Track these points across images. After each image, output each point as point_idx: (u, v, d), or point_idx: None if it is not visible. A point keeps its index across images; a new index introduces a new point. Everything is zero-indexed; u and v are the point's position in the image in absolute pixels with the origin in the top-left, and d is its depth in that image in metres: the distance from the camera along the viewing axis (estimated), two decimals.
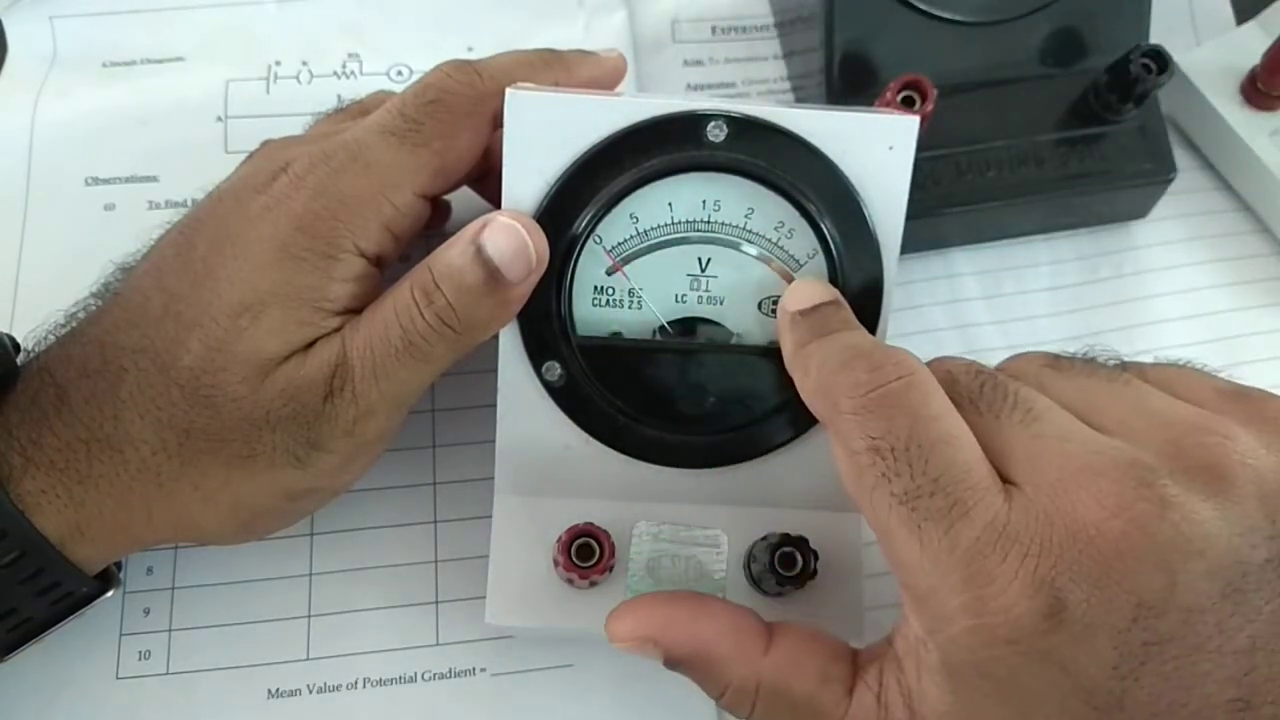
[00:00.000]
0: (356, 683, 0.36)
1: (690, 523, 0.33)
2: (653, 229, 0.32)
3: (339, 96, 0.44)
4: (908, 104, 0.33)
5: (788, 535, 0.32)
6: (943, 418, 0.25)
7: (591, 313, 0.33)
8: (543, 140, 0.31)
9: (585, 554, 0.32)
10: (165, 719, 0.35)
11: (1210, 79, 0.43)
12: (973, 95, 0.40)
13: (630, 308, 0.33)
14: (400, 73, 0.45)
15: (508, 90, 0.31)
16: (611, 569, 0.33)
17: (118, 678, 0.35)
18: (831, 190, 0.32)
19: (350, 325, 0.30)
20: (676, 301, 0.33)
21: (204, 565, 0.37)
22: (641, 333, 0.33)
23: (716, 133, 0.31)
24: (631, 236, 0.32)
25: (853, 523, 0.34)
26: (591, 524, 0.32)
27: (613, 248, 0.32)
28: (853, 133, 0.32)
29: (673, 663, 0.29)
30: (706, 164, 0.31)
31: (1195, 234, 0.44)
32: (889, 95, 0.33)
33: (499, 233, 0.30)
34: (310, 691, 0.35)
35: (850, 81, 0.41)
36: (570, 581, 0.32)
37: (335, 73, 0.45)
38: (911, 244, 0.41)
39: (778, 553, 0.32)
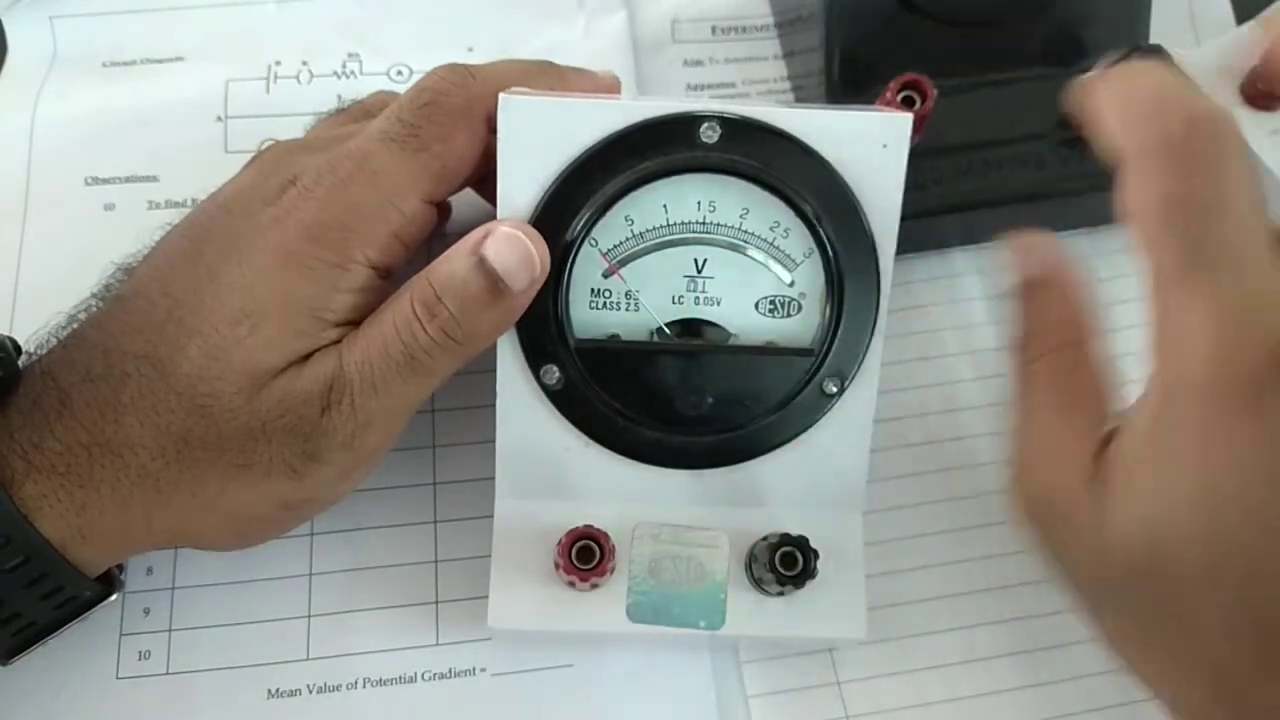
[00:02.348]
0: (356, 683, 0.36)
1: (691, 524, 0.33)
2: (648, 231, 0.32)
3: (339, 96, 0.44)
4: (908, 104, 0.33)
5: (788, 535, 0.32)
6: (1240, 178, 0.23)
7: (589, 315, 0.33)
8: (536, 144, 0.31)
9: (586, 557, 0.32)
10: (165, 719, 0.35)
11: (1210, 79, 0.43)
12: (974, 95, 0.40)
13: (627, 310, 0.33)
14: (400, 73, 0.45)
15: (501, 95, 0.31)
16: (613, 570, 0.33)
17: (118, 678, 0.35)
18: (827, 189, 0.32)
19: (348, 339, 0.30)
20: (673, 303, 0.33)
21: (204, 565, 0.37)
22: (639, 335, 0.33)
23: (710, 134, 0.31)
24: (627, 239, 0.32)
25: (853, 522, 0.35)
26: (591, 526, 0.32)
27: (608, 250, 0.32)
28: (846, 131, 0.32)
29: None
30: (700, 165, 0.32)
31: None
32: (889, 95, 0.33)
33: (502, 243, 0.30)
34: (310, 691, 0.35)
35: (850, 81, 0.41)
36: (572, 584, 0.32)
37: (335, 73, 0.45)
38: (912, 244, 0.41)
39: (778, 553, 0.32)
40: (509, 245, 0.30)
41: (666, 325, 0.33)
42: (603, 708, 0.36)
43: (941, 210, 0.40)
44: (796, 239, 0.32)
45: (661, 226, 0.32)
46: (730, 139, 0.31)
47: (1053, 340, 0.28)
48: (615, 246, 0.32)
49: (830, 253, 0.32)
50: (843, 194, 0.32)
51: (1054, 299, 0.29)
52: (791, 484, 0.34)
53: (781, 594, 0.33)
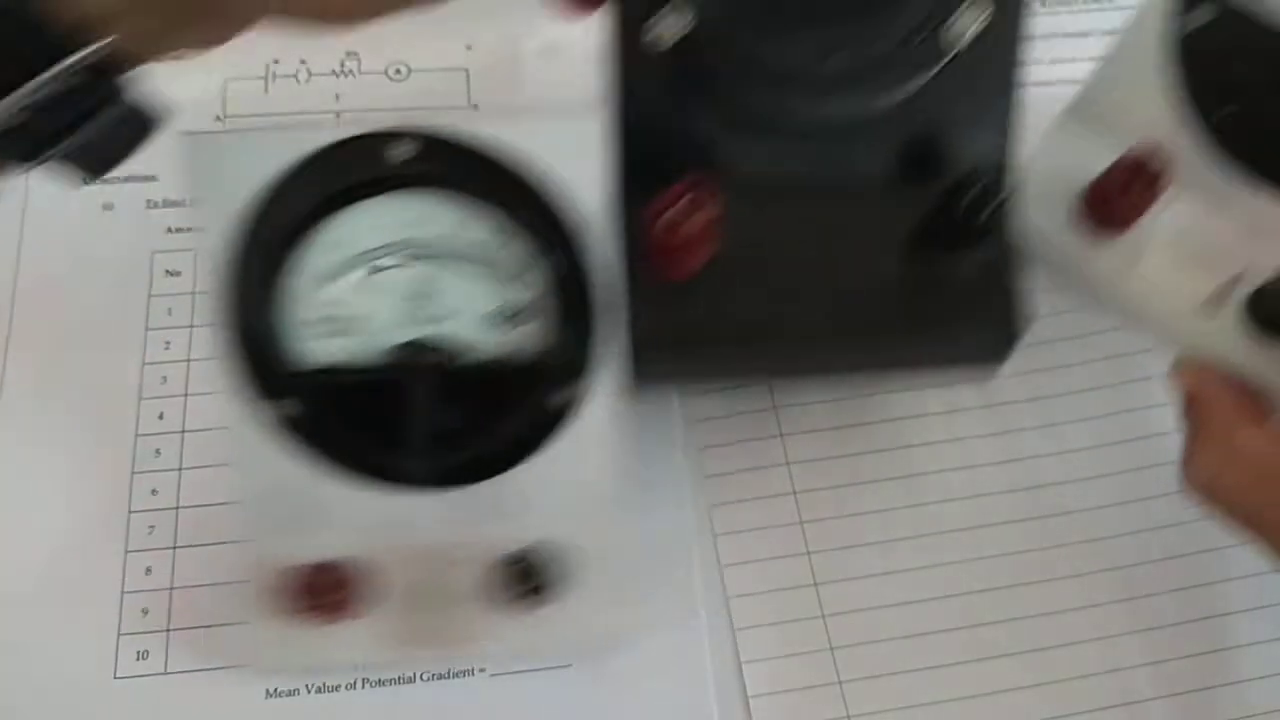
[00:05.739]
0: (356, 683, 0.36)
1: (442, 544, 0.33)
2: (359, 254, 0.32)
3: (337, 96, 0.44)
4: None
5: (521, 551, 0.32)
6: None
7: (315, 342, 0.32)
8: (228, 177, 0.30)
9: (323, 591, 0.31)
10: (165, 719, 0.35)
11: (1044, 195, 0.37)
12: (798, 205, 0.34)
13: (352, 335, 0.32)
14: (399, 71, 0.45)
15: (181, 136, 0.30)
16: (362, 600, 0.32)
17: (116, 677, 0.35)
18: (532, 199, 0.31)
19: None
20: (401, 324, 0.32)
21: (203, 565, 0.37)
22: (369, 358, 0.32)
23: (403, 151, 0.30)
24: (339, 263, 0.32)
25: (603, 531, 0.34)
26: (325, 560, 0.31)
27: (324, 274, 0.32)
28: (542, 139, 0.31)
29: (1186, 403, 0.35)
30: (395, 183, 0.31)
31: (1059, 362, 0.41)
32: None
33: None
34: (310, 691, 0.35)
35: (641, 179, 0.33)
36: (322, 620, 0.32)
37: (334, 71, 0.45)
38: (723, 374, 0.37)
39: (512, 568, 0.32)
40: None
41: (396, 346, 0.32)
42: (602, 708, 0.36)
43: (748, 342, 0.34)
44: (517, 250, 0.32)
45: (377, 248, 0.32)
46: (429, 154, 0.31)
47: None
48: (330, 270, 0.32)
49: (546, 262, 0.31)
50: (549, 202, 0.31)
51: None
52: (539, 496, 0.33)
53: (519, 607, 0.32)
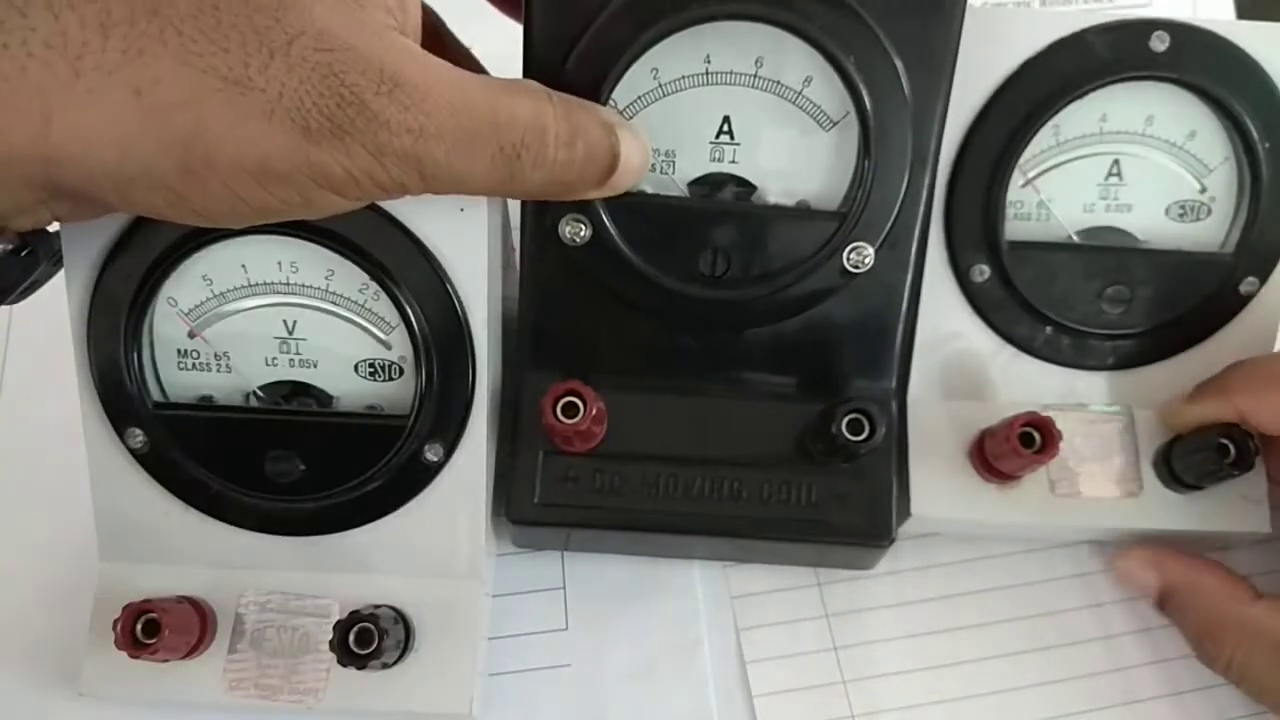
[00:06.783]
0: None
1: (303, 591, 0.32)
2: (229, 291, 0.31)
3: None
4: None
5: (357, 612, 0.31)
6: None
7: (179, 377, 0.32)
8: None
9: (149, 632, 0.31)
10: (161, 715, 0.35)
11: (937, 432, 0.36)
12: (690, 402, 0.35)
13: (219, 371, 0.32)
14: None
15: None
16: (213, 638, 0.32)
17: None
18: (406, 252, 0.31)
19: (434, 66, 0.25)
20: (268, 364, 0.32)
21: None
22: (235, 396, 0.32)
23: None
24: (208, 299, 0.31)
25: (469, 591, 0.32)
26: (150, 601, 0.31)
27: (189, 310, 0.31)
28: (432, 205, 0.31)
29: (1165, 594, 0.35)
30: (266, 224, 0.29)
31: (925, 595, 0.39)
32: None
33: (634, 145, 0.29)
34: None
35: (544, 359, 0.35)
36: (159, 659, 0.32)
37: None
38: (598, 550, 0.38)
39: (352, 630, 0.31)
40: (639, 150, 0.29)
41: (263, 388, 0.32)
42: (602, 708, 0.36)
43: (620, 528, 0.35)
44: (388, 302, 0.31)
45: (243, 286, 0.31)
46: None
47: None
48: (196, 307, 0.31)
49: (415, 319, 0.31)
50: (424, 257, 0.30)
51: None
52: (402, 552, 0.32)
53: (370, 669, 0.31)
